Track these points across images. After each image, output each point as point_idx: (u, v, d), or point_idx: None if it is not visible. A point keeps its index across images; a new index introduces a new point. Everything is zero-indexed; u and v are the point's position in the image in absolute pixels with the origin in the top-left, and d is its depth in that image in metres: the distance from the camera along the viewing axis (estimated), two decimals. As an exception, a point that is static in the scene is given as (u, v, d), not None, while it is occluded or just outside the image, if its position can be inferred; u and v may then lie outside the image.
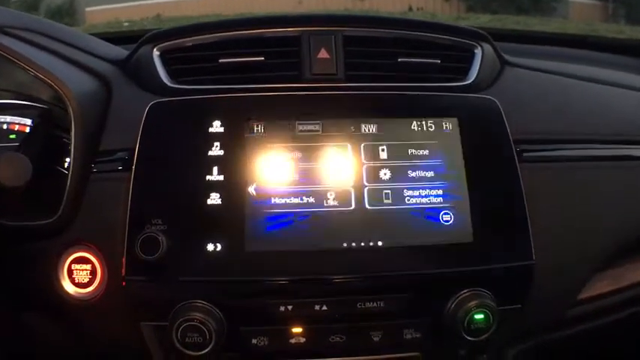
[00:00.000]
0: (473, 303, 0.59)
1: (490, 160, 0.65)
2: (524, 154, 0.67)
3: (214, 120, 0.63)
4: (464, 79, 0.71)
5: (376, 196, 0.62)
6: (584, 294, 0.70)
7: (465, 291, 0.60)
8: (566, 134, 0.71)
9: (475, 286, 0.60)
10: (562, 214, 0.67)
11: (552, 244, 0.65)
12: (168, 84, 0.68)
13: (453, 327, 0.59)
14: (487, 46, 0.73)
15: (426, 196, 0.62)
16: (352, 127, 0.64)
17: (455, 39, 0.73)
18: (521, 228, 0.62)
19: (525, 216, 0.63)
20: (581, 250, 0.68)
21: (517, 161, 0.65)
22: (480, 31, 0.75)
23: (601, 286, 0.70)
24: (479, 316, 0.59)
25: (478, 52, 0.73)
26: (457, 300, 0.60)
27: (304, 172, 0.62)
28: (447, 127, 0.65)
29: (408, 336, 0.61)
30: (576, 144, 0.71)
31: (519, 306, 0.63)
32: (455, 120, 0.65)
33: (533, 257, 0.62)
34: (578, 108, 0.74)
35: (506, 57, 0.76)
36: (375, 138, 0.64)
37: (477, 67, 0.72)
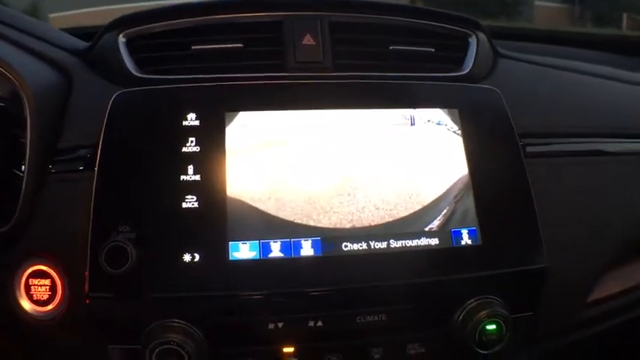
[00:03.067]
0: (484, 312, 0.53)
1: (495, 156, 0.59)
2: (528, 149, 0.62)
3: (188, 112, 0.56)
4: (459, 69, 0.66)
5: (373, 196, 0.55)
6: (594, 296, 0.65)
7: (474, 299, 0.54)
8: (568, 128, 0.67)
9: (484, 293, 0.54)
10: (569, 213, 0.63)
11: (561, 244, 0.60)
12: (135, 73, 0.60)
13: (462, 340, 0.53)
14: (482, 35, 0.69)
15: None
16: (341, 119, 0.57)
17: (449, 26, 0.68)
18: (531, 228, 0.57)
19: (535, 216, 0.57)
20: (591, 249, 0.64)
21: (523, 157, 0.60)
22: (474, 18, 0.70)
23: (610, 286, 0.66)
24: (491, 327, 0.53)
25: (473, 40, 0.68)
26: (466, 310, 0.54)
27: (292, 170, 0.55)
28: (446, 120, 0.59)
29: (412, 351, 0.55)
30: (579, 138, 0.67)
31: (531, 313, 0.58)
32: (455, 112, 0.60)
33: (545, 260, 0.57)
34: (576, 101, 0.70)
35: (499, 49, 0.71)
36: (367, 131, 0.57)
37: (473, 57, 0.67)
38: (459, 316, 0.54)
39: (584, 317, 0.66)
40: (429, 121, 0.59)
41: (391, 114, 0.59)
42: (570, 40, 1.02)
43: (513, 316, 0.54)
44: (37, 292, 0.54)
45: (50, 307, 0.54)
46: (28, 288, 0.54)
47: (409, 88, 0.61)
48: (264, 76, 0.60)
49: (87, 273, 0.50)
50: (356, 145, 0.57)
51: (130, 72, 0.60)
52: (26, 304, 0.54)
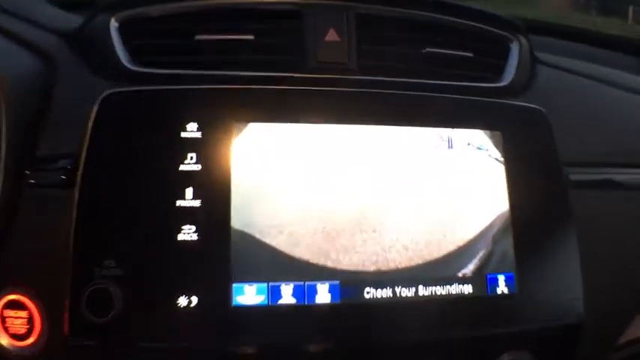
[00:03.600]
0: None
1: (539, 190, 0.52)
2: (571, 179, 0.55)
3: (189, 121, 0.46)
4: (498, 79, 0.58)
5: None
6: (626, 337, 0.60)
7: (506, 356, 0.48)
8: (612, 155, 0.60)
9: (517, 347, 0.48)
10: (609, 252, 0.56)
11: (597, 286, 0.54)
12: (128, 66, 0.50)
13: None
14: (524, 40, 0.60)
15: (459, 232, 0.49)
16: (368, 137, 0.49)
17: (491, 29, 0.59)
18: (573, 277, 0.51)
19: (577, 261, 0.51)
20: (627, 291, 0.58)
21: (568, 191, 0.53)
22: (516, 20, 0.61)
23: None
24: (522, 386, 0.48)
25: (515, 46, 0.59)
26: (497, 366, 0.48)
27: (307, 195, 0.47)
28: (487, 144, 0.51)
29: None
30: (622, 168, 0.59)
31: None
32: (498, 135, 0.52)
33: (584, 314, 0.50)
34: (618, 123, 0.63)
35: (537, 54, 0.63)
36: (398, 153, 0.49)
37: (514, 66, 0.58)
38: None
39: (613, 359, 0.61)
40: (468, 144, 0.51)
41: (426, 133, 0.50)
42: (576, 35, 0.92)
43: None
44: (14, 325, 0.46)
45: (29, 341, 0.46)
46: (3, 319, 0.46)
47: (448, 104, 0.53)
48: (279, 77, 0.51)
49: (66, 315, 0.42)
50: (384, 170, 0.48)
51: (122, 63, 0.50)
52: (3, 338, 0.46)
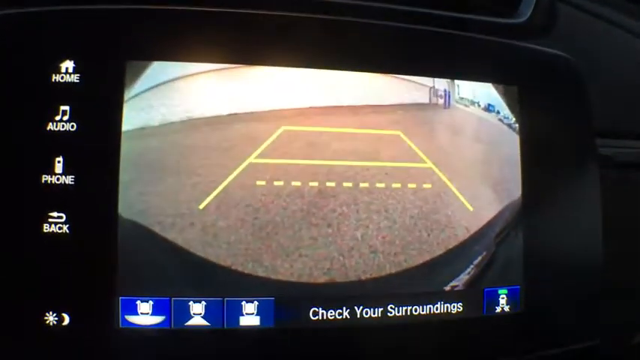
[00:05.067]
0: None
1: (564, 170, 0.37)
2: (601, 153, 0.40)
3: (62, 58, 0.31)
4: (514, 15, 0.42)
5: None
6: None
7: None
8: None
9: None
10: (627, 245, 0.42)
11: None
12: None
13: None
14: None
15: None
16: (329, 88, 0.34)
17: None
18: (594, 290, 0.37)
19: (600, 272, 0.37)
20: None
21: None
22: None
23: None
24: None
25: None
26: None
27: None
28: (499, 104, 0.36)
29: None
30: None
31: None
32: (513, 91, 0.37)
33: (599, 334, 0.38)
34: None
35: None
36: (370, 114, 0.34)
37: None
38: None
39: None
40: (473, 102, 0.36)
41: (414, 86, 0.35)
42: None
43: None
44: None
45: None
46: None
47: (447, 43, 0.37)
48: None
49: None
50: (347, 138, 0.34)
51: None
52: None
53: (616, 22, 0.49)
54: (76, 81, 0.31)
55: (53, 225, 0.30)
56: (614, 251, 0.38)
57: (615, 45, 0.47)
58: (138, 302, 0.31)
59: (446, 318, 0.34)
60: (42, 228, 0.30)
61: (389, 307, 0.33)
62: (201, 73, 0.32)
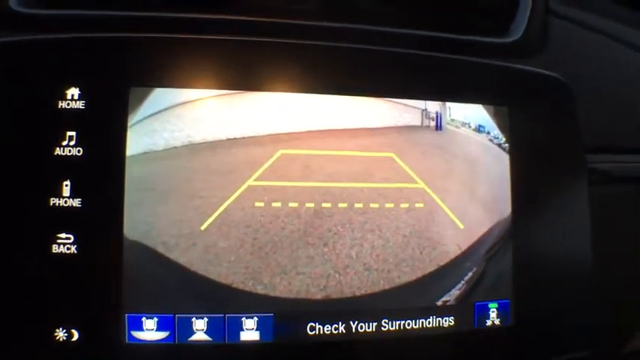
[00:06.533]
0: None
1: (553, 189, 0.39)
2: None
3: (69, 85, 0.33)
4: (506, 33, 0.43)
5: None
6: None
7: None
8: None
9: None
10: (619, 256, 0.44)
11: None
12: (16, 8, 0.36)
13: None
14: None
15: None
16: (324, 113, 0.35)
17: None
18: (586, 302, 0.39)
19: (590, 283, 0.39)
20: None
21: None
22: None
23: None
24: None
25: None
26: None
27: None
28: (489, 125, 0.38)
29: None
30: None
31: None
32: (504, 112, 0.38)
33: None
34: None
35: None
36: (363, 136, 0.36)
37: (527, 16, 0.43)
38: None
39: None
40: (464, 124, 0.37)
41: (406, 109, 0.37)
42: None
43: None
44: None
45: None
46: None
47: (439, 65, 0.38)
48: (200, 20, 0.37)
49: None
50: (342, 160, 0.35)
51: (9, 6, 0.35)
52: None
53: (611, 34, 0.50)
54: (81, 107, 0.33)
55: (62, 246, 0.32)
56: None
57: (604, 56, 0.48)
58: (143, 319, 0.32)
59: (438, 332, 0.36)
60: (51, 248, 0.32)
61: (383, 322, 0.35)
62: (201, 99, 0.34)
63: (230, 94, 0.34)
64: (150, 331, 0.32)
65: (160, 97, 0.33)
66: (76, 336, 0.32)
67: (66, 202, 0.32)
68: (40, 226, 0.32)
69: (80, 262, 0.32)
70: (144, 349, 0.33)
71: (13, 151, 0.32)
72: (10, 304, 0.32)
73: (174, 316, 0.33)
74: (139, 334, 0.32)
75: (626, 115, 0.46)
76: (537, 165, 0.38)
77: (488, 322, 0.37)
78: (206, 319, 0.33)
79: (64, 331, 0.32)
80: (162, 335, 0.33)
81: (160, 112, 0.33)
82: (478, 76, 0.38)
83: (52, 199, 0.32)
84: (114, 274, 0.32)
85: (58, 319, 0.32)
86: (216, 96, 0.34)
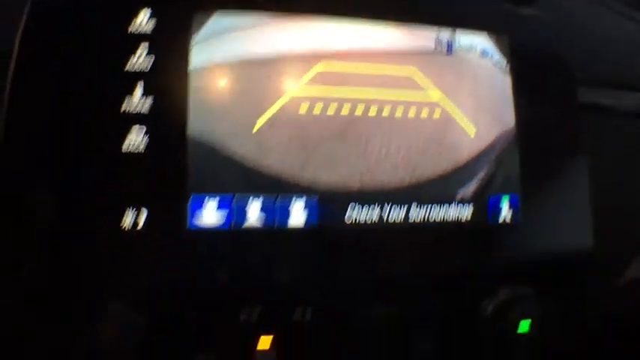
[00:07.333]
0: (517, 309, 0.41)
1: (548, 107, 0.45)
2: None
3: (140, 7, 0.38)
4: None
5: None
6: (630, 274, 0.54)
7: (506, 290, 0.42)
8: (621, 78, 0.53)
9: (518, 282, 0.42)
10: (620, 185, 0.50)
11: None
12: None
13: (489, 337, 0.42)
14: None
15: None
16: (355, 36, 0.41)
17: None
18: (582, 203, 0.45)
19: (586, 188, 0.45)
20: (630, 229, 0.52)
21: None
22: None
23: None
24: (524, 326, 0.42)
25: None
26: (496, 304, 0.42)
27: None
28: (492, 50, 0.44)
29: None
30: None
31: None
32: (505, 40, 0.45)
33: (592, 244, 0.45)
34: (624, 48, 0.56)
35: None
36: (388, 58, 0.42)
37: None
38: (487, 311, 0.42)
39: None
40: (471, 49, 0.44)
41: (421, 35, 0.43)
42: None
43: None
44: None
45: None
46: None
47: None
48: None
49: None
50: (372, 76, 0.41)
51: None
52: None
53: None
54: (150, 28, 0.38)
55: (133, 145, 0.37)
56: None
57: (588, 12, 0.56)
58: (206, 199, 0.37)
59: (457, 223, 0.41)
60: (121, 146, 0.36)
61: (411, 209, 0.40)
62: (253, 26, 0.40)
63: (277, 19, 0.40)
64: (210, 212, 0.37)
65: (218, 21, 0.39)
66: (143, 218, 0.36)
67: (135, 108, 0.37)
68: (114, 128, 0.37)
69: (149, 156, 0.36)
70: (203, 236, 0.37)
71: (93, 68, 0.37)
72: (83, 198, 0.36)
73: (233, 197, 0.37)
74: (199, 220, 0.37)
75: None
76: (534, 86, 0.45)
77: (501, 215, 0.42)
78: (260, 201, 0.38)
79: (134, 209, 0.36)
80: (220, 218, 0.37)
81: (217, 34, 0.39)
82: (483, 7, 0.45)
83: (124, 105, 0.37)
84: (179, 164, 0.37)
85: (128, 204, 0.36)
86: (265, 23, 0.40)
